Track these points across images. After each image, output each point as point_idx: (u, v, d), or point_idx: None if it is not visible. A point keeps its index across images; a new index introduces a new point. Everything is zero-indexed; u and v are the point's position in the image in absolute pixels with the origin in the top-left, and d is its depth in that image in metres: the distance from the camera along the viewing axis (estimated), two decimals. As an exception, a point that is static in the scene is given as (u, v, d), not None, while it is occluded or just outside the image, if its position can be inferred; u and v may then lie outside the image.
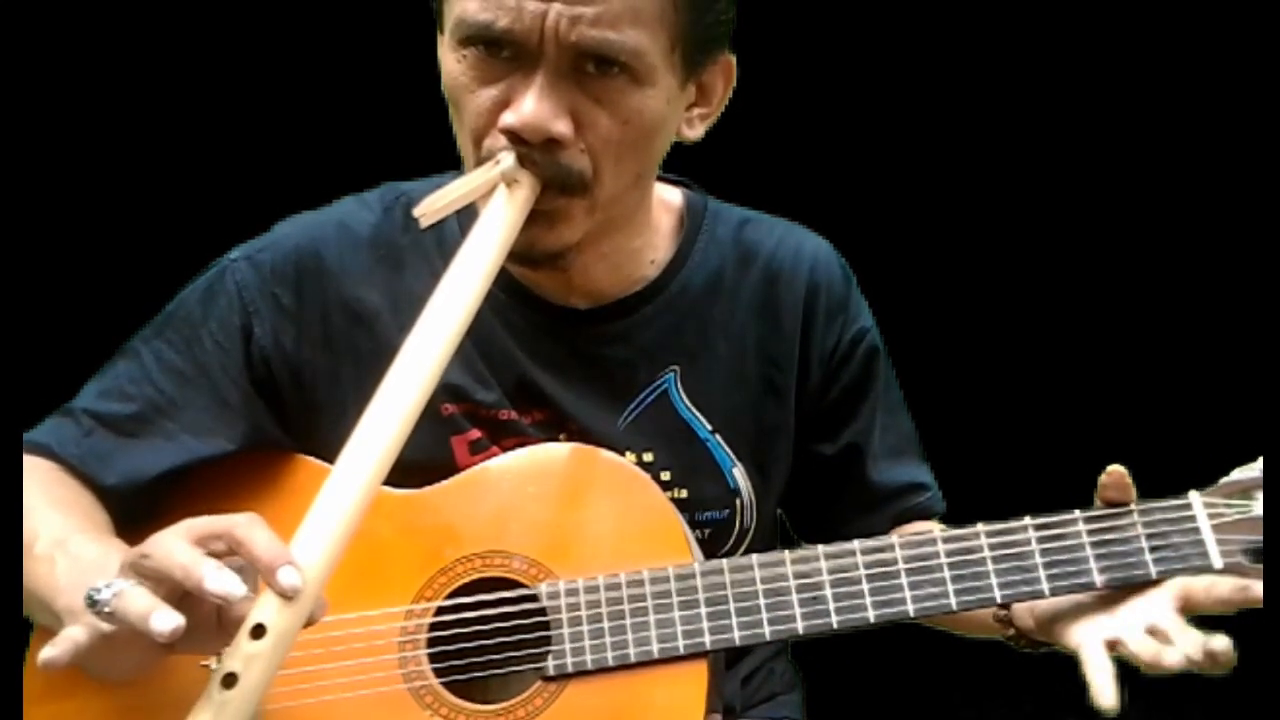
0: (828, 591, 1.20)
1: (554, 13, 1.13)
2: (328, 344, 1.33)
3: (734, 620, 1.20)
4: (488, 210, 1.18)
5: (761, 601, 1.20)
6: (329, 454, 1.25)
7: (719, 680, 1.25)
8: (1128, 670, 1.13)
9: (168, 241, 2.13)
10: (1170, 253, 2.64)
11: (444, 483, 1.29)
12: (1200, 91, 2.55)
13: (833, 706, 1.60)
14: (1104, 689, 1.10)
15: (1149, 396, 2.64)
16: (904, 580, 1.19)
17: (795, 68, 2.43)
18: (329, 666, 1.21)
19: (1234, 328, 2.35)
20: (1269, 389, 1.21)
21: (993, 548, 1.19)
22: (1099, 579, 1.17)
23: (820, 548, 1.21)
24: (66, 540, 1.14)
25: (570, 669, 1.20)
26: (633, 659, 1.19)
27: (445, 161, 1.32)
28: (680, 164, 1.41)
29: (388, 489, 1.25)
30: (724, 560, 1.22)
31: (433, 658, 1.22)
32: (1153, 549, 1.17)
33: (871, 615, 1.19)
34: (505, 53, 1.17)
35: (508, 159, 1.18)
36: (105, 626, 0.99)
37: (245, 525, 1.01)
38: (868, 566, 1.20)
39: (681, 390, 1.36)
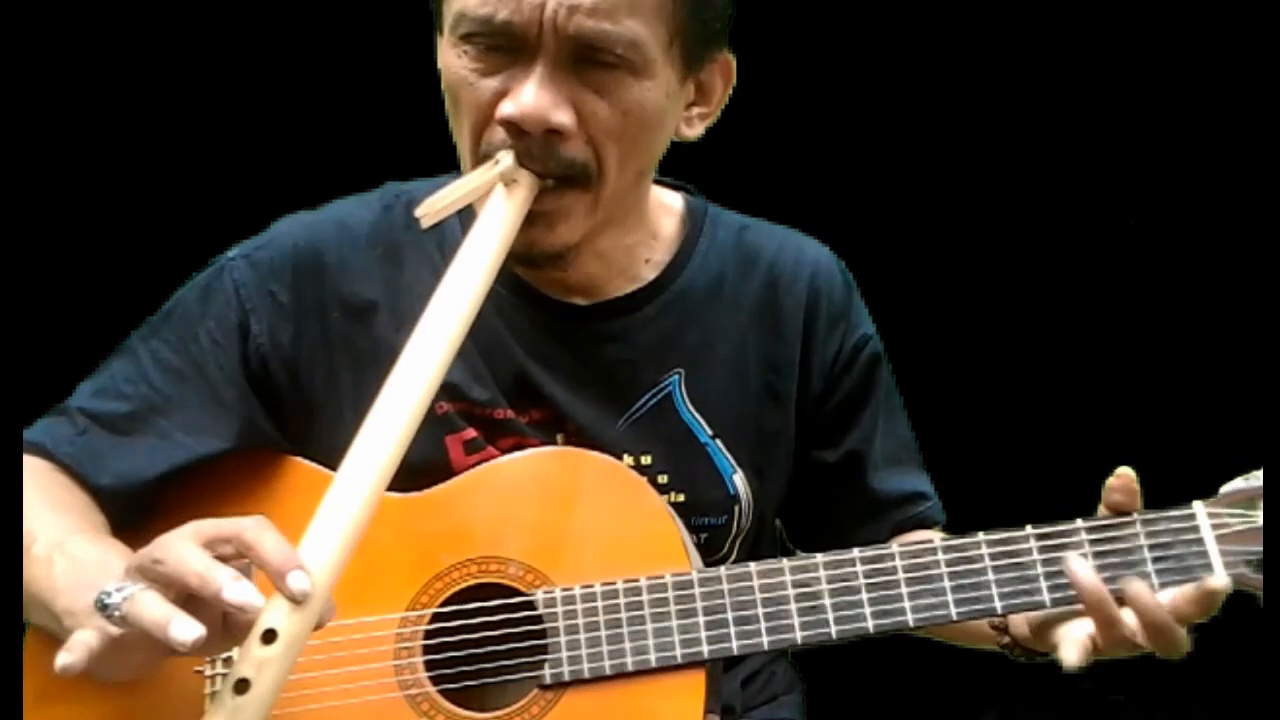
0: (826, 601, 1.19)
1: (552, 4, 1.14)
2: (325, 342, 1.33)
3: (732, 630, 1.19)
4: (486, 210, 1.18)
5: (760, 611, 1.19)
6: (325, 454, 1.26)
7: (717, 682, 1.24)
8: (1131, 671, 1.12)
9: (166, 240, 2.14)
10: (1171, 259, 2.63)
11: (440, 486, 1.29)
12: (1203, 94, 2.54)
13: (833, 707, 1.59)
14: (1070, 651, 1.12)
15: (1150, 404, 2.63)
16: (904, 590, 1.18)
17: (795, 70, 2.43)
18: (325, 674, 1.20)
19: (1235, 334, 2.34)
20: (1270, 396, 1.20)
21: (994, 557, 1.18)
22: (1101, 590, 1.16)
23: (819, 556, 1.21)
24: (65, 541, 1.14)
25: (567, 678, 1.19)
26: (630, 668, 1.19)
27: (445, 163, 1.32)
28: (679, 166, 1.41)
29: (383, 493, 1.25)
30: (722, 569, 1.21)
31: (429, 665, 1.21)
32: (1155, 559, 1.16)
33: (871, 625, 1.18)
34: (505, 45, 1.18)
35: (506, 158, 1.18)
36: (113, 629, 0.98)
37: (254, 529, 1.01)
38: (867, 576, 1.19)
39: (685, 394, 1.35)
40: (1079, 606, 1.16)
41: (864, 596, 1.19)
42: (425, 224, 1.20)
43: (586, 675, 1.19)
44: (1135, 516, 1.17)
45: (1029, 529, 1.18)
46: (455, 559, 1.24)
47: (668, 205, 1.42)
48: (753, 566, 1.21)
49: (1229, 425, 1.94)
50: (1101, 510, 1.19)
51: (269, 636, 0.97)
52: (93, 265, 2.40)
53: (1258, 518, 1.16)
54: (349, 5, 2.36)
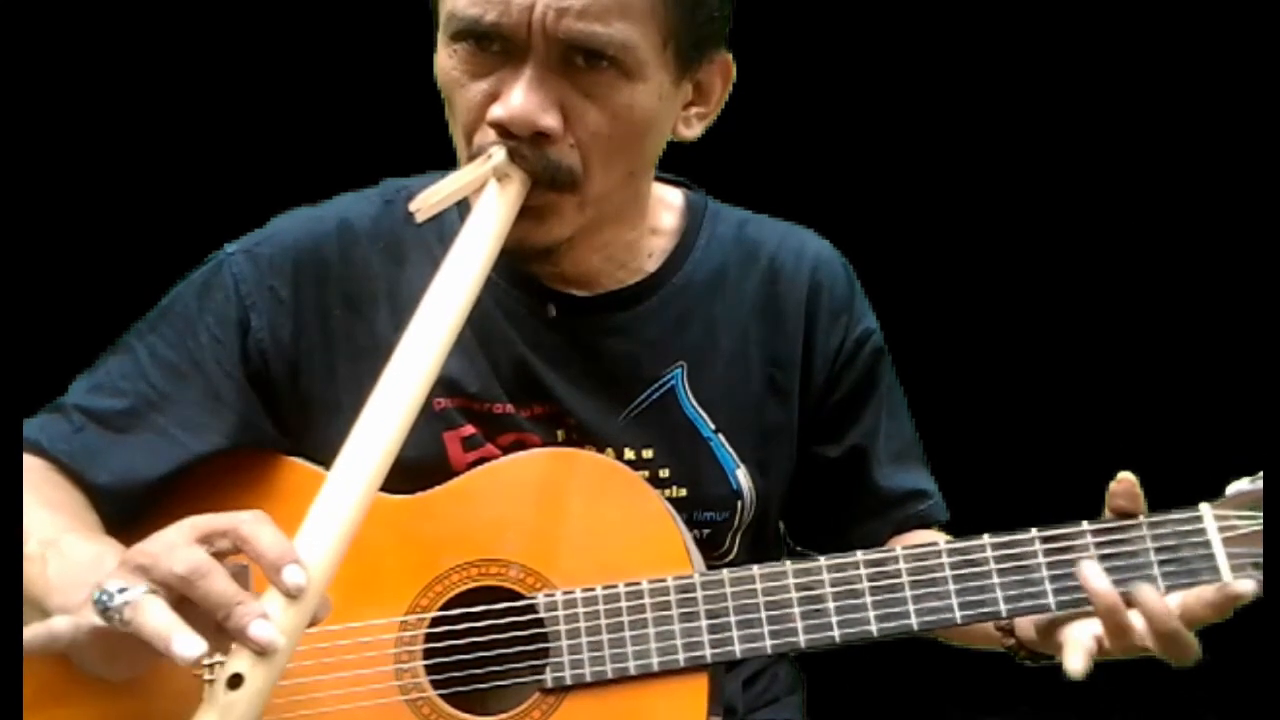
0: (830, 604, 1.18)
1: (541, 6, 1.14)
2: (326, 339, 1.32)
3: (735, 633, 1.19)
4: (479, 205, 1.18)
5: (763, 614, 1.19)
6: (323, 451, 1.26)
7: (719, 685, 1.24)
8: (1136, 672, 1.12)
9: (164, 235, 2.13)
10: (1176, 256, 2.63)
11: (440, 488, 1.28)
12: (1204, 93, 2.54)
13: (834, 708, 1.59)
14: (1074, 658, 1.13)
15: (1155, 404, 2.63)
16: (908, 593, 1.18)
17: (795, 68, 2.42)
18: (324, 678, 1.20)
19: (1239, 333, 2.34)
20: (1273, 396, 1.19)
21: (998, 560, 1.17)
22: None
23: (822, 559, 1.20)
24: (58, 539, 1.13)
25: (569, 681, 1.19)
26: (632, 671, 1.18)
27: (443, 159, 1.31)
28: (679, 164, 1.40)
29: (381, 494, 1.24)
30: (724, 571, 1.21)
31: (429, 669, 1.21)
32: (1161, 562, 1.15)
33: (875, 629, 1.18)
34: (495, 47, 1.18)
35: (499, 154, 1.18)
36: (96, 621, 0.98)
37: (250, 522, 1.00)
38: (871, 579, 1.19)
39: (687, 388, 1.35)
40: (1086, 609, 1.15)
41: (868, 600, 1.18)
42: (419, 218, 1.19)
43: (588, 679, 1.19)
44: (1141, 519, 1.17)
45: (1034, 532, 1.18)
46: (455, 562, 1.23)
47: (668, 201, 1.42)
48: (755, 569, 1.20)
49: (1234, 425, 1.94)
50: (1107, 514, 1.18)
51: None
52: (90, 261, 2.39)
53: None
54: (348, 2, 2.35)
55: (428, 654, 1.21)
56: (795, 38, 2.41)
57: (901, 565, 1.18)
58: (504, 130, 1.18)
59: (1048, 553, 1.17)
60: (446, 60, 1.21)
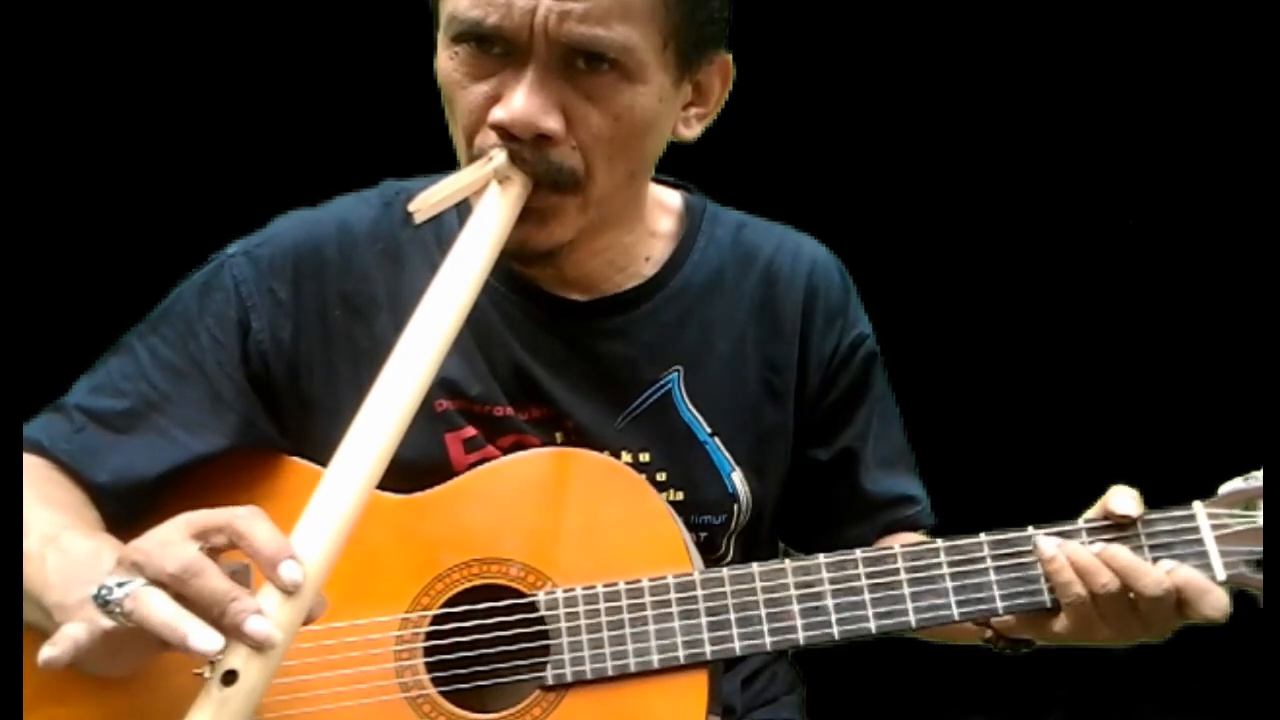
0: (829, 601, 1.19)
1: (543, 9, 1.14)
2: (326, 340, 1.33)
3: (735, 631, 1.19)
4: (480, 207, 1.18)
5: (763, 612, 1.20)
6: (323, 453, 1.24)
7: (718, 683, 1.24)
8: (1131, 670, 1.12)
9: (164, 237, 2.12)
10: (1170, 258, 2.64)
11: (440, 488, 1.28)
12: (1201, 94, 2.55)
13: (834, 707, 1.60)
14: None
15: (1147, 407, 2.63)
16: (906, 590, 1.19)
17: (795, 70, 2.43)
18: (325, 676, 1.20)
19: (1233, 333, 2.35)
20: (1269, 396, 1.20)
21: (995, 558, 1.19)
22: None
23: (821, 557, 1.21)
24: (57, 536, 1.13)
25: (569, 678, 1.19)
26: (633, 669, 1.19)
27: (444, 161, 1.31)
28: (678, 165, 1.40)
29: (382, 493, 1.25)
30: (724, 569, 1.22)
31: (430, 667, 1.21)
32: (1155, 560, 1.16)
33: (873, 626, 1.19)
34: (496, 49, 1.18)
35: (500, 156, 1.18)
36: (105, 624, 0.98)
37: (246, 518, 1.00)
38: (869, 576, 1.20)
39: (684, 391, 1.35)
40: None
41: (866, 597, 1.19)
42: (418, 219, 1.20)
43: (589, 676, 1.19)
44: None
45: (1030, 529, 1.19)
46: (456, 560, 1.24)
47: (666, 203, 1.42)
48: (755, 567, 1.21)
49: (1226, 425, 1.95)
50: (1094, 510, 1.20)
51: None
52: (91, 262, 2.39)
53: (1257, 518, 1.17)
54: (348, 4, 2.35)
55: (429, 652, 1.21)
56: (793, 38, 2.41)
57: (900, 564, 1.20)
58: (505, 133, 1.18)
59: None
60: (447, 62, 1.21)
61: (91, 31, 2.37)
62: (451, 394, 1.31)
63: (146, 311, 1.35)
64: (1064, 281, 2.69)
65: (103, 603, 0.98)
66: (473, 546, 1.24)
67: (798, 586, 1.20)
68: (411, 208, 1.20)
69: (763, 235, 1.43)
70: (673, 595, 1.20)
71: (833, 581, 1.20)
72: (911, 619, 1.18)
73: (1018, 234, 2.67)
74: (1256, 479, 1.18)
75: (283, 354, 1.32)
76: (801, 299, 1.40)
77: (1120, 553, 1.15)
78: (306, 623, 1.00)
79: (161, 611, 0.96)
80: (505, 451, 1.31)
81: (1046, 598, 1.17)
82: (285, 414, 1.33)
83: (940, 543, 1.21)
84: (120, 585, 0.98)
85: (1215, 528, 1.17)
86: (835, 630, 1.19)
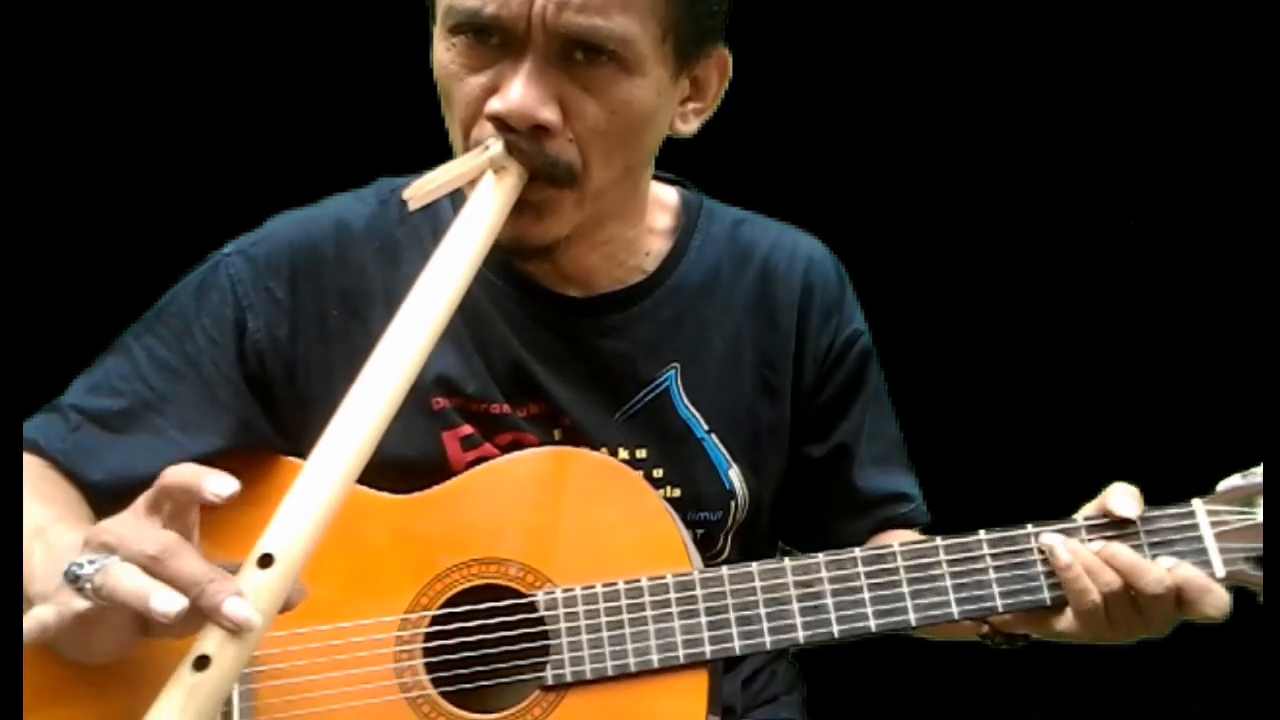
0: (829, 600, 1.19)
1: None
2: (323, 339, 1.32)
3: (734, 630, 1.19)
4: (474, 196, 1.17)
5: (762, 611, 1.20)
6: (320, 453, 1.25)
7: (718, 683, 1.24)
8: (1131, 670, 1.12)
9: (160, 236, 2.12)
10: (1169, 257, 2.64)
11: (438, 487, 1.28)
12: (1199, 93, 2.55)
13: (833, 707, 1.60)
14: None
15: (1145, 404, 2.64)
16: (905, 589, 1.19)
17: (792, 65, 2.42)
18: (324, 676, 1.20)
19: (1232, 331, 2.35)
20: (1268, 394, 1.20)
21: (995, 556, 1.19)
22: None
23: (820, 555, 1.21)
24: (46, 529, 1.12)
25: (569, 678, 1.19)
26: (632, 668, 1.19)
27: (439, 157, 1.30)
28: (675, 162, 1.40)
29: (380, 493, 1.25)
30: (724, 568, 1.21)
31: (429, 667, 1.21)
32: (1155, 557, 1.16)
33: (873, 624, 1.19)
34: (494, 40, 1.17)
35: (496, 145, 1.17)
36: (80, 605, 0.97)
37: (174, 471, 0.99)
38: (869, 575, 1.20)
39: (681, 388, 1.35)
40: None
41: (866, 596, 1.19)
42: (412, 206, 1.19)
43: (588, 675, 1.19)
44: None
45: (1030, 527, 1.19)
46: (455, 560, 1.24)
47: (663, 199, 1.42)
48: (754, 566, 1.21)
49: (1225, 422, 1.95)
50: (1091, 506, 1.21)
51: None
52: (86, 262, 2.38)
53: (1257, 515, 1.17)
54: (344, 1, 2.35)
55: (428, 652, 1.21)
56: (790, 34, 2.41)
57: (899, 562, 1.20)
58: (502, 124, 1.17)
59: (1042, 548, 1.18)
60: (444, 53, 1.20)
61: (88, 32, 2.36)
62: (448, 392, 1.31)
63: (143, 311, 1.35)
64: (1062, 280, 2.69)
65: (73, 579, 0.97)
66: (471, 547, 1.24)
67: (797, 586, 1.20)
68: (405, 195, 1.19)
69: (759, 232, 1.43)
70: (672, 595, 1.20)
71: (832, 580, 1.20)
72: (911, 618, 1.18)
73: (1016, 232, 2.67)
74: (1256, 475, 1.19)
75: (280, 353, 1.31)
76: (798, 295, 1.40)
77: (1122, 551, 1.16)
78: (284, 610, 0.97)
79: (130, 581, 0.94)
80: (503, 449, 1.31)
81: (1047, 595, 1.17)
82: (282, 413, 1.32)
83: (939, 541, 1.21)
84: (91, 563, 0.97)
85: (1215, 525, 1.17)
86: (835, 629, 1.19)
